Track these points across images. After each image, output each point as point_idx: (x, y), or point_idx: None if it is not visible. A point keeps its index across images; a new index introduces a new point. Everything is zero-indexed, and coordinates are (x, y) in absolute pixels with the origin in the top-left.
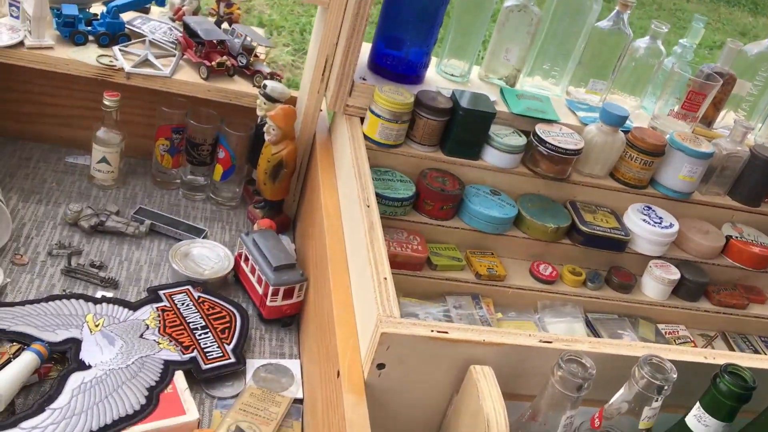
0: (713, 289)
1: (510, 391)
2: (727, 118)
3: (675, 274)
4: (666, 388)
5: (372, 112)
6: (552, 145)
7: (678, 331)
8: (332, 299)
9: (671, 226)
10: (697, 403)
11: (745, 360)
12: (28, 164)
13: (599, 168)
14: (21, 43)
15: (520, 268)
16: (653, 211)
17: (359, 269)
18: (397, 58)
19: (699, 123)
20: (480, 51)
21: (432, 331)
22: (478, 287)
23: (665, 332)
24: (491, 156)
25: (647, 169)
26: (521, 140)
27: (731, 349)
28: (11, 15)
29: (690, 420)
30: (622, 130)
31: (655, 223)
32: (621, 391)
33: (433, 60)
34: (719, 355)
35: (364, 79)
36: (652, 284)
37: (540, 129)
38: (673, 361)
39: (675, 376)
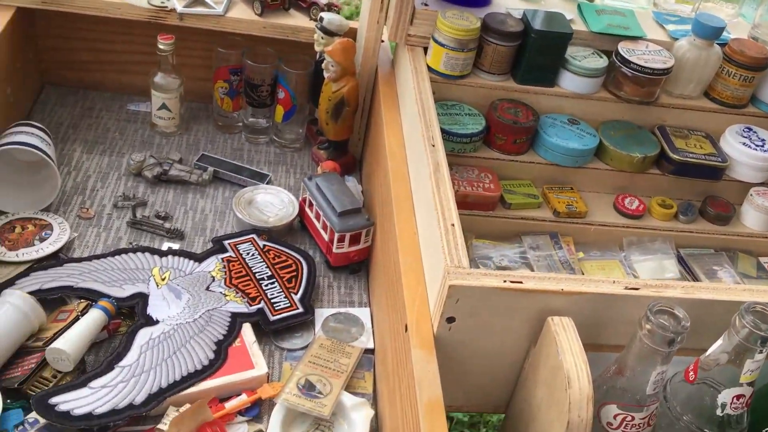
0: None
1: (593, 342)
2: None
3: None
4: None
5: (435, 40)
6: (637, 65)
7: None
8: (398, 247)
9: None
10: None
11: None
12: (90, 114)
13: (692, 87)
14: None
15: (602, 202)
16: (754, 132)
17: (425, 214)
18: None
19: None
20: None
21: (504, 281)
22: (557, 225)
23: None
24: (568, 81)
25: (747, 86)
26: (602, 62)
27: None
28: None
29: None
30: (718, 43)
31: (757, 146)
32: (719, 341)
33: None
34: None
35: (425, 5)
36: (753, 214)
37: (623, 47)
38: None
39: None
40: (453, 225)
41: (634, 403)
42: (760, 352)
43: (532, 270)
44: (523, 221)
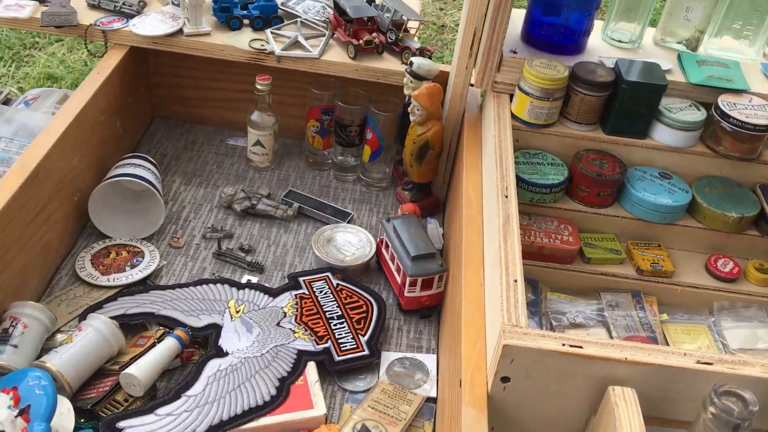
0: None
1: (659, 416)
2: None
3: None
4: None
5: (520, 88)
6: (738, 119)
7: None
8: (462, 297)
9: None
10: None
11: None
12: (193, 147)
13: None
14: (180, 31)
15: (693, 262)
16: None
17: (492, 266)
18: (554, 27)
19: None
20: (655, 10)
21: (563, 344)
22: (640, 284)
23: None
24: (661, 134)
25: None
26: (699, 115)
27: None
28: (173, 3)
29: None
30: None
31: None
32: None
33: (598, 25)
34: None
35: (514, 52)
36: None
37: (724, 101)
38: None
39: None
40: (516, 281)
41: None
42: None
43: (609, 330)
44: (603, 277)
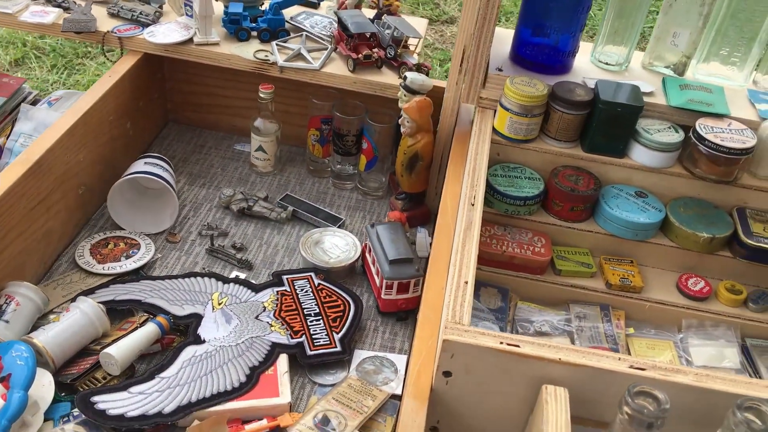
0: None
1: (592, 418)
2: None
3: None
4: None
5: (501, 105)
6: (713, 143)
7: None
8: (423, 298)
9: None
10: None
11: None
12: (201, 150)
13: None
14: (190, 40)
15: (666, 280)
16: None
17: (450, 270)
18: (539, 47)
19: None
20: (646, 34)
21: (501, 343)
22: (611, 298)
23: None
24: (639, 154)
25: None
26: (677, 137)
27: None
28: (186, 14)
29: None
30: None
31: None
32: None
33: (588, 48)
34: None
35: (500, 70)
36: None
37: (701, 124)
38: None
39: None
40: (466, 282)
41: None
42: None
43: (573, 340)
44: (573, 289)
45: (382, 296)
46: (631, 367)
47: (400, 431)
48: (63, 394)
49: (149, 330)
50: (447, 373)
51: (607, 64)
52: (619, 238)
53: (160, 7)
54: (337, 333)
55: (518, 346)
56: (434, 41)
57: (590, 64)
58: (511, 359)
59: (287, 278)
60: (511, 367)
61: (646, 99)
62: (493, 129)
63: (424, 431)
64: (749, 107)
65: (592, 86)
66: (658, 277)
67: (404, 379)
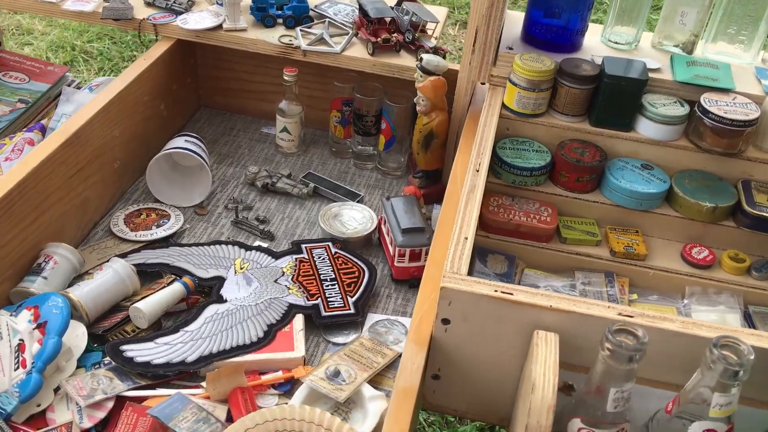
0: None
1: (582, 364)
2: None
3: None
4: (741, 373)
5: (510, 80)
6: (717, 115)
7: None
8: (429, 259)
9: None
10: None
11: None
12: (230, 133)
13: None
14: (220, 26)
15: (670, 249)
16: None
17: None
18: (549, 27)
19: None
20: (652, 15)
21: (496, 291)
22: (615, 266)
23: None
24: (645, 127)
25: None
26: (681, 110)
27: None
28: (217, 2)
29: None
30: None
31: None
32: (695, 375)
33: (599, 28)
34: None
35: (510, 48)
36: None
37: (706, 98)
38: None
39: (752, 358)
40: (466, 239)
41: (597, 419)
42: (734, 386)
43: None
44: (578, 257)
45: (395, 264)
46: (619, 314)
47: (399, 372)
48: (95, 345)
49: (175, 289)
50: (445, 321)
51: (616, 43)
52: (625, 209)
53: None
54: (352, 297)
55: (512, 294)
56: (457, 36)
57: (600, 44)
58: (505, 306)
59: (306, 247)
60: (506, 314)
61: (652, 75)
62: (503, 104)
63: (426, 377)
64: (756, 83)
65: (599, 63)
66: (662, 247)
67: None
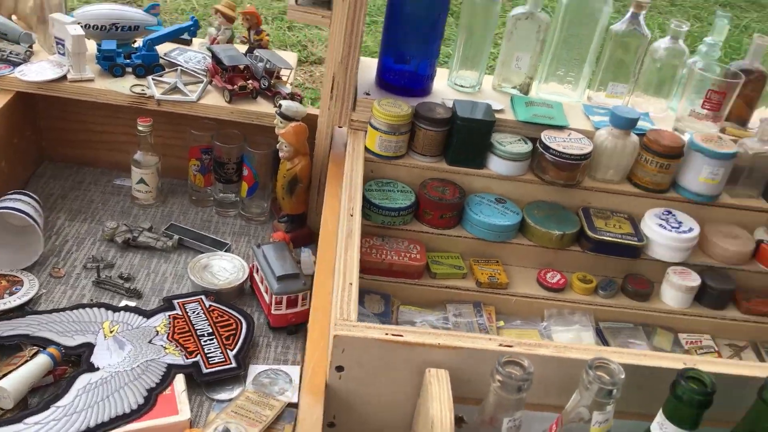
0: (743, 297)
1: (473, 396)
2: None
3: (695, 281)
4: (615, 391)
5: (371, 125)
6: (556, 150)
7: (701, 341)
8: (312, 305)
9: (690, 230)
10: (660, 411)
11: (729, 367)
12: (80, 187)
13: (612, 173)
14: (64, 77)
15: (527, 276)
16: (673, 215)
17: (336, 276)
18: (400, 73)
19: (732, 123)
20: (491, 60)
21: (386, 333)
22: (482, 296)
23: (686, 342)
24: (495, 164)
25: (665, 173)
26: (526, 147)
27: (762, 360)
28: (58, 52)
29: (654, 428)
30: (638, 133)
31: (673, 227)
32: (574, 396)
33: (445, 73)
34: (700, 361)
35: (367, 94)
36: (670, 292)
37: (546, 135)
38: (649, 368)
39: (623, 377)
40: (351, 284)
41: None
42: (609, 404)
43: None
44: (447, 290)
45: (273, 312)
46: (500, 345)
47: (299, 427)
48: None
49: (40, 361)
50: (340, 368)
51: (462, 86)
52: (485, 241)
53: (30, 47)
54: (232, 350)
55: (402, 335)
56: (304, 81)
57: (447, 87)
58: (397, 348)
59: (178, 302)
60: (397, 356)
61: (497, 116)
62: (366, 148)
63: (322, 427)
64: (585, 119)
65: (451, 106)
66: (521, 274)
67: (299, 383)
